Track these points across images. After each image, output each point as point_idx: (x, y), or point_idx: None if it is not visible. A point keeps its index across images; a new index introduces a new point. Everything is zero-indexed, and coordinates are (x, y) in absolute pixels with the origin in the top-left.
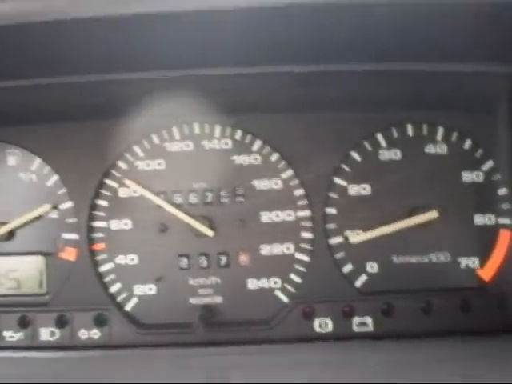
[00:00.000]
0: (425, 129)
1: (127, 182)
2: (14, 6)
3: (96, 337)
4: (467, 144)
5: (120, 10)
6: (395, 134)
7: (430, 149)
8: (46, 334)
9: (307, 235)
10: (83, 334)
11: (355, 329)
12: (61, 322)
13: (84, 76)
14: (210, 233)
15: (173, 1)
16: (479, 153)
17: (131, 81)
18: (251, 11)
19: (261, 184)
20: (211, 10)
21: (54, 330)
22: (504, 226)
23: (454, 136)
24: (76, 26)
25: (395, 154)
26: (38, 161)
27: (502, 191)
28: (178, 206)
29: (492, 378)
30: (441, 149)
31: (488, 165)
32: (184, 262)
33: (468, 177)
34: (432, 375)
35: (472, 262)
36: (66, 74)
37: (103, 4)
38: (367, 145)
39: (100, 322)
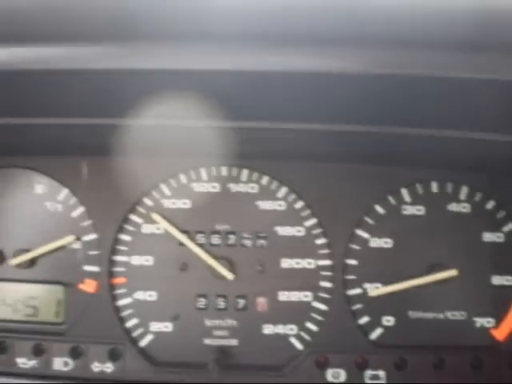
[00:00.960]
0: (449, 187)
1: (154, 216)
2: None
3: (109, 370)
4: (490, 205)
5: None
6: (420, 190)
7: (453, 207)
8: (59, 363)
9: (326, 284)
10: (96, 367)
11: (367, 381)
12: (75, 353)
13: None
14: (230, 276)
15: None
16: (501, 214)
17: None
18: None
19: (284, 230)
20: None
21: (67, 360)
22: None
23: (478, 196)
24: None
25: (418, 210)
26: (65, 191)
27: None
28: (200, 246)
29: None
30: (464, 208)
31: (509, 226)
32: (202, 302)
33: (489, 237)
34: None
35: (487, 321)
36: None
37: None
38: (391, 199)
39: (114, 355)
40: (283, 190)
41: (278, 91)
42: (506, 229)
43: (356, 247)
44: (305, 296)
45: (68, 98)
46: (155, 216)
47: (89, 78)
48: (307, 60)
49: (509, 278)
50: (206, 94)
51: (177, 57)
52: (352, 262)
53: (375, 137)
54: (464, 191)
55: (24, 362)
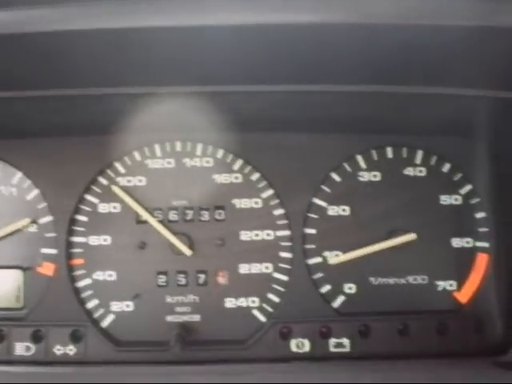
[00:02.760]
0: (404, 152)
1: (115, 189)
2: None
3: (71, 353)
4: (446, 167)
5: (113, 23)
6: (375, 156)
7: (409, 171)
8: (21, 348)
9: (286, 255)
10: (58, 350)
11: (332, 349)
12: (36, 337)
13: (68, 90)
14: (188, 252)
15: (168, 16)
16: (458, 176)
17: (114, 96)
18: (247, 29)
19: (241, 203)
20: (203, 26)
21: (29, 344)
22: (481, 250)
23: (433, 160)
24: (63, 38)
25: (374, 176)
26: (18, 174)
27: (480, 215)
28: (158, 223)
29: None
30: (420, 172)
31: (466, 188)
32: (162, 279)
33: (446, 200)
34: None
35: (449, 284)
36: (50, 87)
37: (98, 16)
38: (347, 166)
39: (76, 337)
40: (239, 163)
41: (233, 49)
42: (462, 191)
43: (314, 216)
44: (265, 268)
45: (25, 68)
46: (116, 189)
47: (38, 43)
48: (260, 13)
49: (468, 239)
50: (164, 57)
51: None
52: (311, 231)
53: (329, 98)
54: (419, 155)
55: None
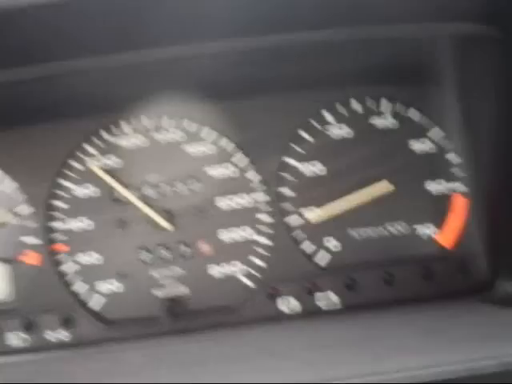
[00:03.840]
0: (369, 102)
1: (94, 168)
2: None
3: (64, 337)
4: (412, 113)
5: None
6: (340, 109)
7: (375, 121)
8: (13, 338)
9: (264, 217)
10: (51, 336)
11: (320, 305)
12: (28, 326)
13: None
14: (167, 226)
15: None
16: (425, 121)
17: (76, 72)
18: None
19: (214, 170)
20: None
21: (21, 334)
22: (457, 191)
23: (399, 106)
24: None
25: (342, 130)
26: None
27: (452, 157)
28: (137, 200)
29: (456, 337)
30: (386, 120)
31: (435, 132)
32: (145, 255)
33: (416, 146)
34: (398, 341)
35: (429, 229)
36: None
37: None
38: (314, 122)
39: (67, 322)
40: (205, 131)
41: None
42: (431, 134)
43: (287, 175)
44: (246, 232)
45: None
46: (95, 168)
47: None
48: None
49: (443, 181)
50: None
51: None
52: (286, 190)
53: (290, 52)
54: (384, 104)
55: None
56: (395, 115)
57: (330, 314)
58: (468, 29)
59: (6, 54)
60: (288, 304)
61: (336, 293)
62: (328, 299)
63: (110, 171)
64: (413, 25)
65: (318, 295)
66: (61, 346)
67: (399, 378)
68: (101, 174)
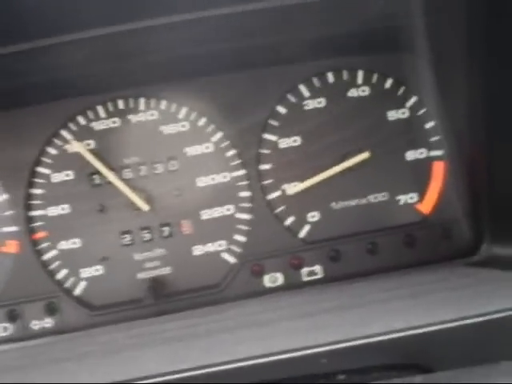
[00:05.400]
0: (345, 74)
1: (75, 144)
2: None
3: (49, 325)
4: (388, 83)
5: None
6: (317, 83)
7: (352, 93)
8: None
9: (245, 194)
10: (35, 325)
11: (305, 278)
12: (12, 316)
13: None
14: (145, 207)
15: None
16: (401, 90)
17: (51, 53)
18: None
19: (192, 150)
20: None
21: (5, 324)
22: (437, 158)
23: (375, 77)
24: None
25: (320, 103)
26: None
27: (430, 124)
28: (119, 182)
29: (442, 298)
30: (363, 91)
31: (412, 101)
32: (127, 238)
33: (393, 115)
34: (384, 306)
35: (410, 197)
36: None
37: None
38: (291, 97)
39: (51, 310)
40: (183, 111)
41: None
42: (408, 104)
43: (266, 151)
44: (227, 210)
45: None
46: (81, 149)
47: None
48: None
49: (422, 150)
50: None
51: None
52: (265, 166)
53: (264, 21)
54: (360, 75)
55: None
56: (372, 86)
57: (315, 284)
58: None
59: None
60: (275, 280)
61: (321, 265)
62: (313, 272)
63: (86, 155)
64: None
65: (304, 270)
66: (46, 333)
67: (386, 341)
68: (87, 155)
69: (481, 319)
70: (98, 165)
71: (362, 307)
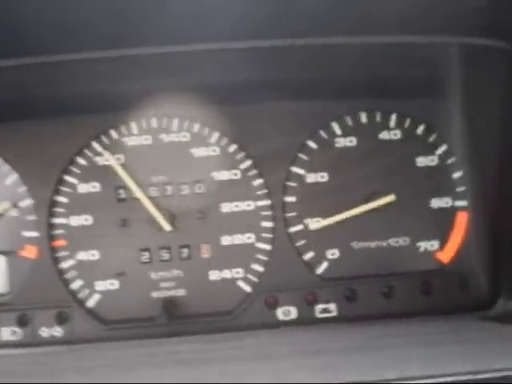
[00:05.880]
0: (378, 116)
1: (107, 156)
2: None
3: (58, 334)
4: (420, 129)
5: None
6: (349, 122)
7: (384, 135)
8: (6, 333)
9: (267, 224)
10: (45, 332)
11: (319, 315)
12: (22, 321)
13: (41, 57)
14: (167, 227)
15: None
16: (433, 137)
17: (88, 66)
18: None
19: (220, 175)
20: None
21: (15, 329)
22: (461, 209)
23: (407, 122)
24: None
25: (350, 142)
26: None
27: (457, 174)
28: (146, 199)
29: (456, 350)
30: (394, 135)
31: (442, 149)
32: (145, 256)
33: (422, 161)
34: (397, 351)
35: (431, 245)
36: (23, 55)
37: None
38: (323, 133)
39: (62, 319)
40: (215, 136)
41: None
42: (438, 151)
43: (293, 184)
44: (248, 238)
45: None
46: (111, 161)
47: None
48: None
49: (447, 199)
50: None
51: None
52: (290, 199)
53: (303, 57)
54: (393, 119)
55: None
56: (404, 131)
57: (328, 322)
58: (476, 42)
59: (17, 43)
60: (288, 313)
61: (335, 303)
62: (327, 310)
63: (112, 170)
64: (423, 36)
65: (319, 307)
66: (55, 342)
67: None
68: (118, 169)
69: (495, 375)
70: (127, 179)
71: (374, 350)
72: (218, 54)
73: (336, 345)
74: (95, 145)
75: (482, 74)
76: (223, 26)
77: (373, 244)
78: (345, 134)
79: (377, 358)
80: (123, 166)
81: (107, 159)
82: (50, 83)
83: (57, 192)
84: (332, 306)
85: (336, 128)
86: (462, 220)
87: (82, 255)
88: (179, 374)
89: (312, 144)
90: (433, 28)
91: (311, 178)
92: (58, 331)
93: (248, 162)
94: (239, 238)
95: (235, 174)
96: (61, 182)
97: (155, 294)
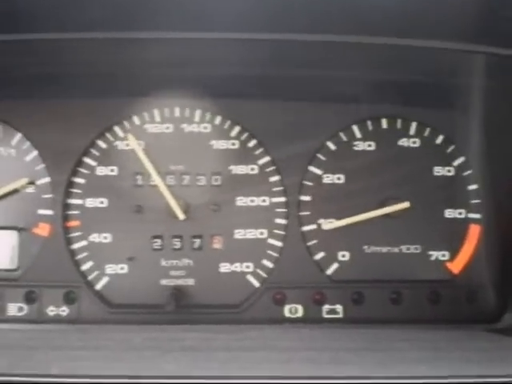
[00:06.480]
0: (399, 123)
1: (129, 136)
2: None
3: (64, 314)
4: (439, 139)
5: None
6: (370, 126)
7: (403, 142)
8: (13, 309)
9: (281, 221)
10: (51, 311)
11: (325, 315)
12: (30, 298)
13: (73, 34)
14: (181, 216)
15: None
16: (451, 148)
17: (119, 51)
18: None
19: (237, 169)
20: None
21: (22, 305)
22: (474, 221)
23: (427, 131)
24: None
25: (369, 146)
26: (18, 136)
27: (473, 187)
28: (164, 186)
29: (461, 356)
30: (414, 143)
31: (459, 160)
32: (157, 243)
33: (439, 171)
34: (401, 354)
35: (442, 255)
36: (50, 30)
37: None
38: (343, 135)
39: (69, 299)
40: (236, 129)
41: None
42: (455, 163)
43: (309, 183)
44: (260, 233)
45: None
46: (134, 145)
47: None
48: None
49: (461, 211)
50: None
51: None
52: (306, 198)
53: (330, 56)
54: (413, 126)
55: None
56: (423, 139)
57: (334, 323)
58: (501, 52)
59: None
60: (294, 311)
61: (342, 305)
62: (334, 311)
63: (131, 155)
64: (449, 43)
65: (326, 307)
66: (60, 321)
67: None
68: (140, 154)
69: (502, 380)
70: (148, 165)
71: (380, 351)
72: (244, 47)
73: (342, 344)
74: (117, 129)
75: (503, 88)
76: (251, 16)
77: (384, 249)
78: (364, 138)
79: (382, 357)
80: (143, 151)
81: (128, 144)
82: (79, 62)
83: (75, 173)
84: (339, 308)
85: (356, 131)
86: (474, 232)
87: (95, 237)
88: (185, 358)
89: (331, 145)
90: (459, 35)
91: (328, 178)
92: (64, 310)
93: (266, 158)
94: (252, 233)
95: (253, 169)
96: (80, 163)
97: (164, 282)
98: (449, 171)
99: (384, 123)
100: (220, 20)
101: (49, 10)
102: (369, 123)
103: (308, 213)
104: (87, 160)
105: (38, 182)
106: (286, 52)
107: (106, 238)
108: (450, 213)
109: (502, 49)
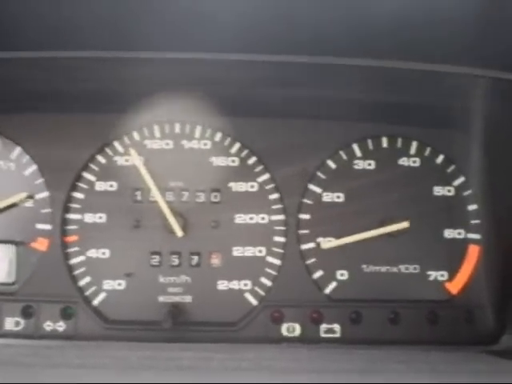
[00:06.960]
0: (399, 142)
1: (131, 151)
2: None
3: (61, 329)
4: (440, 159)
5: None
6: (370, 145)
7: (403, 161)
8: (10, 323)
9: (280, 239)
10: (48, 326)
11: (323, 335)
12: (27, 313)
13: (73, 52)
14: (179, 232)
15: None
16: (451, 168)
17: (120, 69)
18: None
19: (237, 186)
20: None
21: (19, 319)
22: (473, 241)
23: (428, 151)
24: None
25: (369, 165)
26: (17, 149)
27: (473, 207)
28: (163, 202)
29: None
30: (414, 162)
31: (459, 180)
32: (155, 259)
33: (439, 191)
34: (399, 375)
35: (440, 275)
36: (54, 49)
37: None
38: (343, 154)
39: (66, 314)
40: (236, 146)
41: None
42: (455, 183)
43: (309, 202)
44: (259, 251)
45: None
46: (136, 160)
47: None
48: None
49: (461, 231)
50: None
51: None
52: (305, 216)
53: (329, 75)
54: (414, 146)
55: None
56: (424, 159)
57: (331, 343)
58: (502, 76)
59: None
60: (292, 330)
61: (340, 324)
62: (331, 330)
63: (132, 171)
64: (451, 66)
65: (323, 326)
66: (57, 337)
67: None
68: (141, 169)
69: None
70: (148, 181)
71: (378, 374)
72: (244, 66)
73: (339, 365)
74: (117, 144)
75: (504, 110)
76: (251, 38)
77: (383, 269)
78: (365, 157)
79: (380, 380)
80: (142, 168)
81: (128, 159)
82: (79, 78)
83: (74, 188)
84: (337, 327)
85: (356, 150)
86: (473, 253)
87: (93, 252)
88: (178, 378)
89: (331, 164)
90: (460, 59)
91: (327, 197)
92: (61, 326)
93: (266, 176)
94: (250, 251)
95: (252, 187)
96: (79, 178)
97: (162, 299)
98: (449, 191)
99: (384, 142)
100: (220, 41)
101: (49, 27)
102: (369, 142)
103: (307, 231)
104: (86, 175)
105: (37, 197)
106: (286, 72)
107: (104, 253)
108: (449, 233)
109: (503, 72)
